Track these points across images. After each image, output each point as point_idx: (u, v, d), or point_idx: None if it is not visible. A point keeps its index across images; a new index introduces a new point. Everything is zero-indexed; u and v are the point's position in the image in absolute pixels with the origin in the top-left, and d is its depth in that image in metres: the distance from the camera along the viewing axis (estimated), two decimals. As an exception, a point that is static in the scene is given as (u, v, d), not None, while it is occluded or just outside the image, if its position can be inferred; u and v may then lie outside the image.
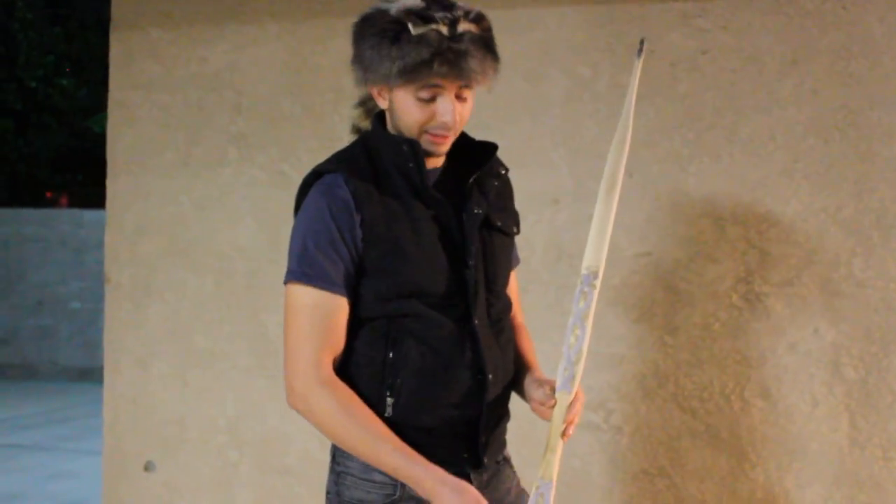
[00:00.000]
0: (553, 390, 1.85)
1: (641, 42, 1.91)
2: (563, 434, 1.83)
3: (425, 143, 1.85)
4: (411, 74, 1.77)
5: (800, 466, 2.80)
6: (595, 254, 1.88)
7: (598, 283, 1.85)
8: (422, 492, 1.76)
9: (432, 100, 1.81)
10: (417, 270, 1.83)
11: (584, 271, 1.87)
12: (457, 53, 1.75)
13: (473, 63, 1.77)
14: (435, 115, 1.82)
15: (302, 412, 1.81)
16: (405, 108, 1.83)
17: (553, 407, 1.84)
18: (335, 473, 1.89)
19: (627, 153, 1.91)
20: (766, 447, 2.82)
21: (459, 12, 1.78)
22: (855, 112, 2.76)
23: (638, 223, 2.89)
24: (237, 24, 3.26)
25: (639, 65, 1.92)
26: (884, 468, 2.74)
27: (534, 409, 1.93)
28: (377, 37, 1.79)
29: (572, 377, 1.83)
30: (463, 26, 1.77)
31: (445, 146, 1.87)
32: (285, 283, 1.84)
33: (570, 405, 1.83)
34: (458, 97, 1.82)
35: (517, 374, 1.99)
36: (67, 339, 10.28)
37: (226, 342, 3.27)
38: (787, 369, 2.80)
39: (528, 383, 1.96)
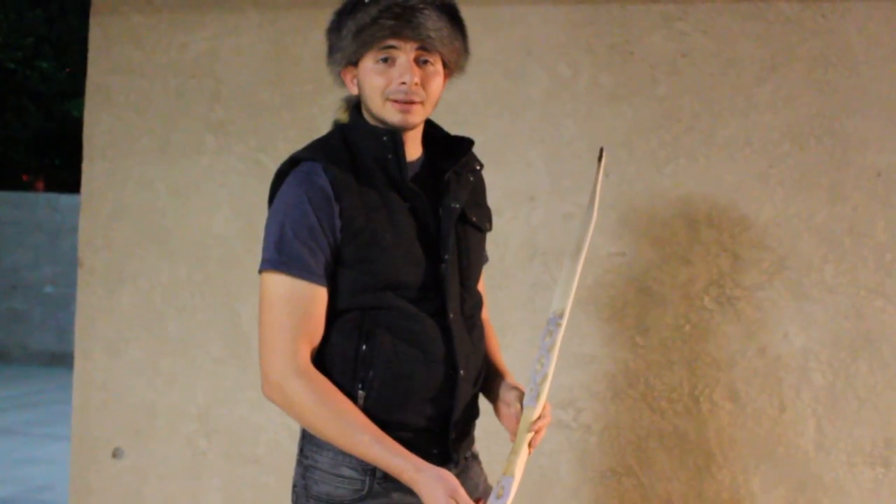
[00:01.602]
0: (522, 396, 1.91)
1: (601, 150, 2.08)
2: (530, 444, 1.86)
3: (391, 113, 1.83)
4: (363, 35, 1.80)
5: (766, 469, 2.82)
6: (562, 300, 1.94)
7: (563, 321, 1.92)
8: (402, 481, 1.76)
9: (391, 63, 1.82)
10: (393, 263, 1.82)
11: (550, 315, 1.94)
12: (404, 8, 1.78)
13: (425, 20, 1.79)
14: (393, 79, 1.82)
15: (278, 403, 1.80)
16: (367, 79, 1.84)
17: (517, 413, 1.89)
18: (303, 467, 1.89)
19: (592, 231, 2.04)
20: (733, 449, 2.84)
21: None
22: (831, 119, 2.79)
23: (612, 223, 2.90)
24: (218, 12, 3.24)
25: (600, 168, 2.06)
26: (848, 473, 2.77)
27: (498, 410, 1.96)
28: (337, 16, 1.85)
29: (537, 395, 1.87)
30: None
31: (413, 116, 1.85)
32: (261, 271, 1.82)
33: (537, 419, 1.87)
34: (421, 62, 1.83)
35: (485, 374, 2.00)
36: (39, 324, 10.21)
37: (198, 330, 3.26)
38: (757, 373, 2.82)
39: (503, 386, 1.98)
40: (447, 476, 1.74)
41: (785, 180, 2.81)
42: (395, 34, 1.79)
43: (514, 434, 1.90)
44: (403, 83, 1.81)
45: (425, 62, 1.83)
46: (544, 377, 1.88)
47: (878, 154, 2.76)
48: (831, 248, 2.78)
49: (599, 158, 2.10)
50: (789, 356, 2.81)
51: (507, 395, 1.95)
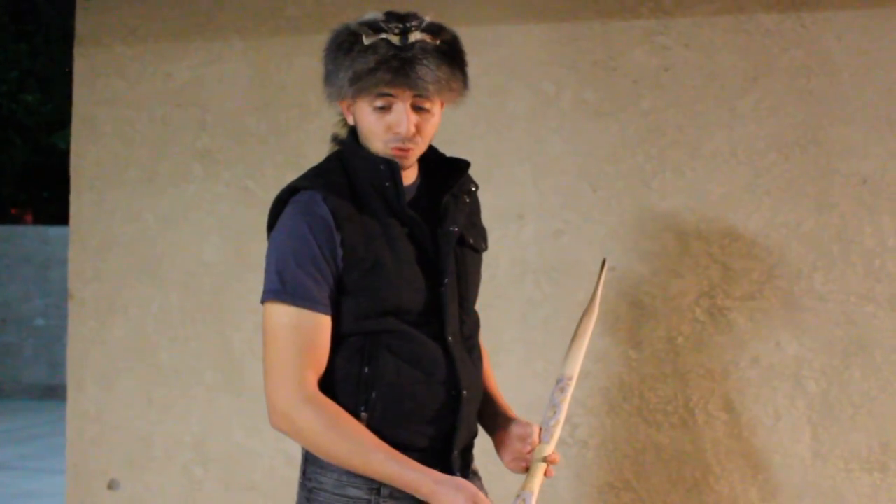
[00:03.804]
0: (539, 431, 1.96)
1: (603, 261, 2.25)
2: (546, 473, 1.90)
3: (386, 155, 1.86)
4: (359, 83, 1.79)
5: (763, 479, 2.82)
6: (571, 366, 2.02)
7: (572, 382, 2.01)
8: (420, 495, 1.77)
9: (387, 110, 1.82)
10: (395, 289, 1.84)
11: (560, 375, 2.01)
12: (403, 62, 1.77)
13: (423, 72, 1.78)
14: (390, 126, 1.83)
15: (286, 432, 1.80)
16: (363, 120, 1.85)
17: (534, 445, 1.92)
18: (307, 490, 1.89)
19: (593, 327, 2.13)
20: (730, 460, 2.84)
21: (413, 23, 1.81)
22: (815, 128, 2.80)
23: (601, 238, 2.91)
24: (202, 41, 3.25)
25: (602, 273, 2.17)
26: (845, 479, 2.77)
27: (502, 443, 1.99)
28: (335, 50, 1.84)
29: (551, 435, 1.93)
30: (415, 36, 1.79)
31: (408, 159, 1.88)
32: (264, 301, 1.83)
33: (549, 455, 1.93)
34: (417, 108, 1.83)
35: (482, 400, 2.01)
36: (31, 357, 10.17)
37: (191, 359, 3.25)
38: (750, 383, 2.83)
39: (514, 423, 2.00)
40: (465, 484, 1.76)
41: (772, 190, 2.82)
42: (390, 85, 1.80)
43: (510, 463, 1.96)
44: (399, 133, 1.83)
45: (421, 108, 1.84)
46: (557, 422, 1.94)
47: (863, 161, 2.77)
48: (820, 256, 2.79)
49: (602, 266, 2.21)
50: (782, 365, 2.81)
51: (520, 430, 1.96)
